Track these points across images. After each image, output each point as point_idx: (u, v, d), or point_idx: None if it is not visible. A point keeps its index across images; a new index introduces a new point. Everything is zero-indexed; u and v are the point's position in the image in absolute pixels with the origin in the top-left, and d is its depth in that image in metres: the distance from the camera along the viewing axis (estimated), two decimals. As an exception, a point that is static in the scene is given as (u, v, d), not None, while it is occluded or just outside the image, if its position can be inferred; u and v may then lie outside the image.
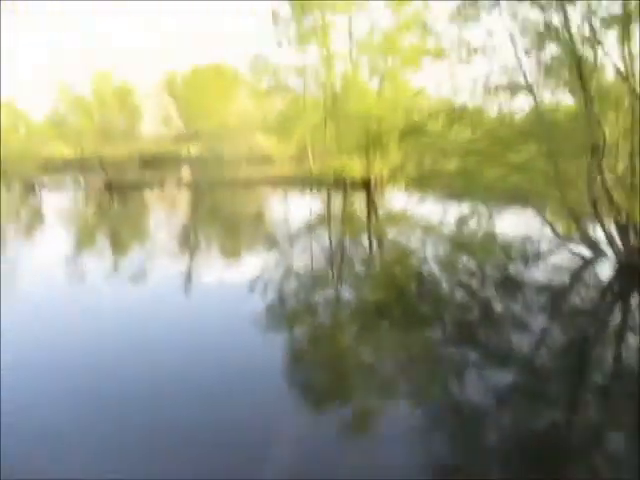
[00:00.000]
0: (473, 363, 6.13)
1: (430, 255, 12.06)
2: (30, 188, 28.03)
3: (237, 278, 10.16)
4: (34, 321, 7.91)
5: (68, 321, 7.95)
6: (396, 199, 21.51)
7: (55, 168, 33.90)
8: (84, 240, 16.23)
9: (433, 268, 11.00)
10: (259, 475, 3.99)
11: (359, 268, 11.78)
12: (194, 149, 38.81)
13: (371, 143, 24.06)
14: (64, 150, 38.93)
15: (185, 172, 36.94)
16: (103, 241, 16.38)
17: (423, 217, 15.69)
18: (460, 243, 12.45)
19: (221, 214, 21.54)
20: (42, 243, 16.06)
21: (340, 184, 24.96)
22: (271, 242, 14.32)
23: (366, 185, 24.95)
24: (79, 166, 31.91)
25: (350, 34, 26.38)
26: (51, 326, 7.70)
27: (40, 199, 25.83)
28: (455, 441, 4.57)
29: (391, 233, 15.91)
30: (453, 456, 4.35)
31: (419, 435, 4.56)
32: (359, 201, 23.50)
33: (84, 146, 33.36)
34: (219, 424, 4.77)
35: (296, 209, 21.47)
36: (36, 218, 21.36)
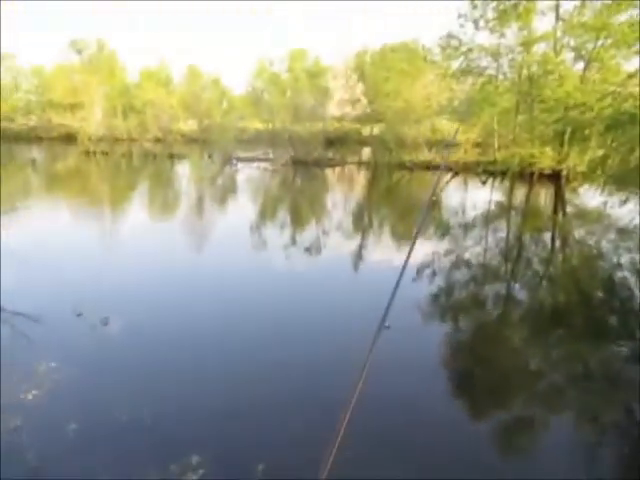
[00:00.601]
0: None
1: (626, 262, 10.61)
2: (227, 158, 30.97)
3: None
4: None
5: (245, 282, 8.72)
6: (590, 196, 19.37)
7: (247, 141, 36.92)
8: (267, 209, 17.55)
9: (628, 277, 9.67)
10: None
11: (537, 266, 10.87)
12: (376, 130, 39.13)
13: (568, 132, 21.82)
14: (256, 124, 42.03)
15: (365, 152, 37.57)
16: (283, 212, 17.49)
17: (622, 219, 13.85)
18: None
19: (397, 197, 21.55)
20: (233, 209, 17.93)
21: (526, 175, 23.25)
22: (444, 229, 13.93)
23: (556, 178, 22.86)
24: (268, 140, 34.25)
25: (557, 12, 24.05)
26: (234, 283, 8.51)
27: (234, 169, 28.42)
28: None
29: (580, 233, 14.36)
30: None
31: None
32: (546, 195, 21.67)
33: (275, 122, 35.49)
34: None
35: (476, 197, 20.52)
36: (230, 186, 23.61)
